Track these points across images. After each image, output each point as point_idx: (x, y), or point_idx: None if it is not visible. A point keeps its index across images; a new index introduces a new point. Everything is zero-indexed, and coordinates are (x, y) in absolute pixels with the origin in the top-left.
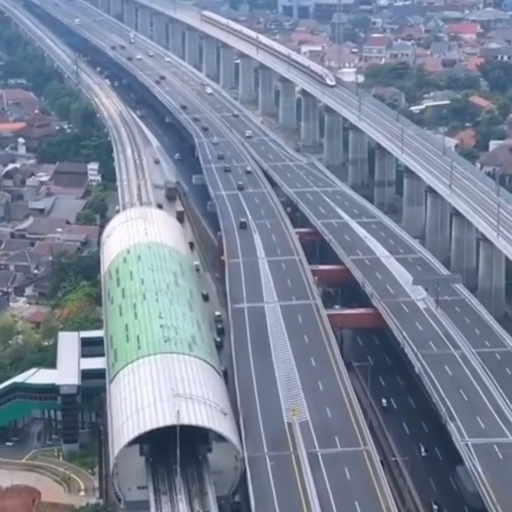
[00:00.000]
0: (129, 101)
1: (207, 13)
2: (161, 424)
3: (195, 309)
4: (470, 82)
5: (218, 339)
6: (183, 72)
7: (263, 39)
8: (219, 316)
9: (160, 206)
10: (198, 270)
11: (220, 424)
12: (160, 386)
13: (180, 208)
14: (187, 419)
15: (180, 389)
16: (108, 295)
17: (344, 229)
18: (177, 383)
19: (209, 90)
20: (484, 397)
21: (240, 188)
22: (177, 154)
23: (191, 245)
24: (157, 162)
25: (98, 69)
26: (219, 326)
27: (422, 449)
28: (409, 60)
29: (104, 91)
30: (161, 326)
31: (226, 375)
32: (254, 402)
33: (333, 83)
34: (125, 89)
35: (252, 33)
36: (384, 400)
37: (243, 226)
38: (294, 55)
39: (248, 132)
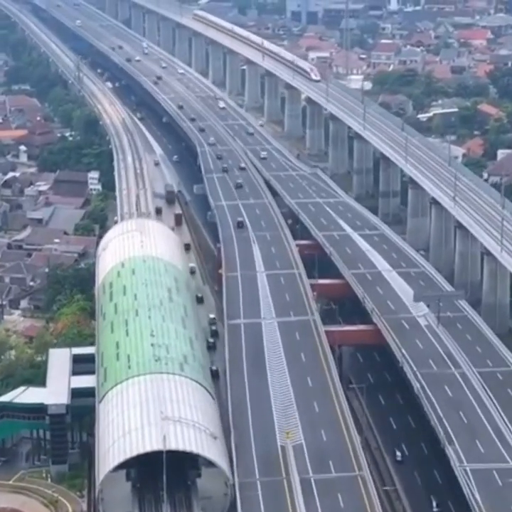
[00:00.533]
0: (129, 104)
1: (199, 11)
2: (148, 449)
3: (188, 326)
4: (479, 90)
5: (211, 340)
6: (193, 82)
7: (255, 38)
8: (213, 318)
9: (159, 210)
10: (193, 272)
11: (209, 449)
12: (148, 408)
13: (179, 211)
14: (174, 444)
15: (169, 411)
16: (101, 310)
17: (346, 241)
18: (166, 405)
19: (222, 104)
20: (484, 420)
21: (239, 186)
22: (175, 156)
23: (187, 247)
24: (157, 164)
25: (99, 70)
26: (213, 327)
27: (434, 504)
28: (418, 66)
29: (108, 97)
30: (152, 345)
31: (217, 375)
32: (247, 424)
33: (317, 78)
34: (129, 94)
35: (245, 32)
36: (398, 453)
37: (240, 225)
38: (283, 53)
39: (263, 153)
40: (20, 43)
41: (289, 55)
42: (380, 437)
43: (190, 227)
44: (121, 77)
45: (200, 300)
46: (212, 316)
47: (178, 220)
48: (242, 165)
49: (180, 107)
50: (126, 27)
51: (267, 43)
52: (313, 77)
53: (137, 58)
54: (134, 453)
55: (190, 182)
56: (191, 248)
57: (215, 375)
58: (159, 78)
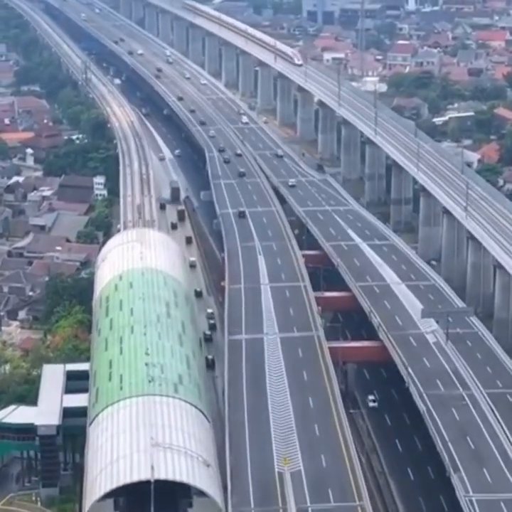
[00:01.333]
0: (135, 101)
1: (190, 1)
2: (135, 478)
3: (185, 344)
4: (496, 93)
5: (208, 333)
6: (219, 96)
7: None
8: (211, 313)
9: (163, 206)
10: (193, 266)
11: (201, 478)
12: (139, 434)
13: (182, 207)
14: (164, 474)
15: (160, 437)
16: (97, 326)
17: (354, 252)
18: (157, 431)
19: (245, 119)
20: (493, 446)
21: (241, 175)
22: (177, 150)
23: (189, 240)
24: (162, 159)
25: (107, 67)
26: (211, 321)
27: None
28: (435, 68)
29: (116, 99)
30: (146, 364)
31: (214, 363)
32: (244, 448)
33: (300, 62)
34: (135, 89)
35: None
36: None
37: (242, 215)
38: (267, 39)
39: (291, 181)
40: (32, 43)
41: (272, 41)
42: (385, 460)
43: (192, 221)
44: (129, 74)
45: (198, 294)
46: (210, 311)
47: (180, 215)
48: (238, 151)
49: (203, 123)
50: (140, 27)
51: (251, 30)
52: (296, 61)
53: (139, 52)
54: (121, 482)
55: (196, 181)
56: (192, 241)
57: (210, 364)
58: (159, 70)
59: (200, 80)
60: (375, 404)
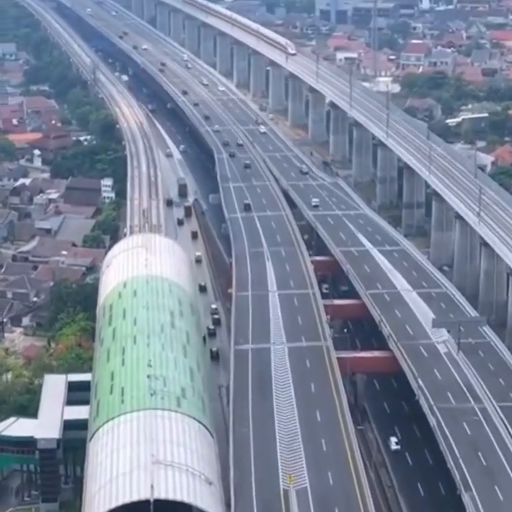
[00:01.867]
0: (141, 97)
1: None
2: (135, 498)
3: (189, 355)
4: (511, 93)
5: (212, 327)
6: (237, 104)
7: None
8: (215, 309)
9: (170, 202)
10: (199, 261)
11: (202, 497)
12: (139, 450)
13: (189, 203)
14: (164, 493)
15: (162, 454)
16: (99, 335)
17: (364, 258)
18: (158, 447)
19: (262, 129)
20: (505, 462)
21: (247, 166)
22: (182, 146)
23: (195, 235)
24: (169, 156)
25: (113, 63)
26: (215, 316)
27: None
28: (449, 68)
29: (126, 99)
30: (149, 377)
31: (218, 355)
32: (248, 463)
33: (294, 52)
34: (142, 86)
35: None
36: None
37: (247, 208)
38: (262, 29)
39: (315, 201)
40: (43, 42)
41: (268, 32)
42: (395, 475)
43: (198, 217)
44: (136, 70)
45: (203, 289)
46: (214, 306)
47: (187, 211)
48: (240, 142)
49: (207, 118)
50: (152, 26)
51: (263, 29)
52: (290, 50)
53: (144, 47)
54: (120, 502)
55: (201, 178)
56: (198, 236)
57: (215, 356)
58: (163, 65)
59: (218, 86)
60: (398, 446)
